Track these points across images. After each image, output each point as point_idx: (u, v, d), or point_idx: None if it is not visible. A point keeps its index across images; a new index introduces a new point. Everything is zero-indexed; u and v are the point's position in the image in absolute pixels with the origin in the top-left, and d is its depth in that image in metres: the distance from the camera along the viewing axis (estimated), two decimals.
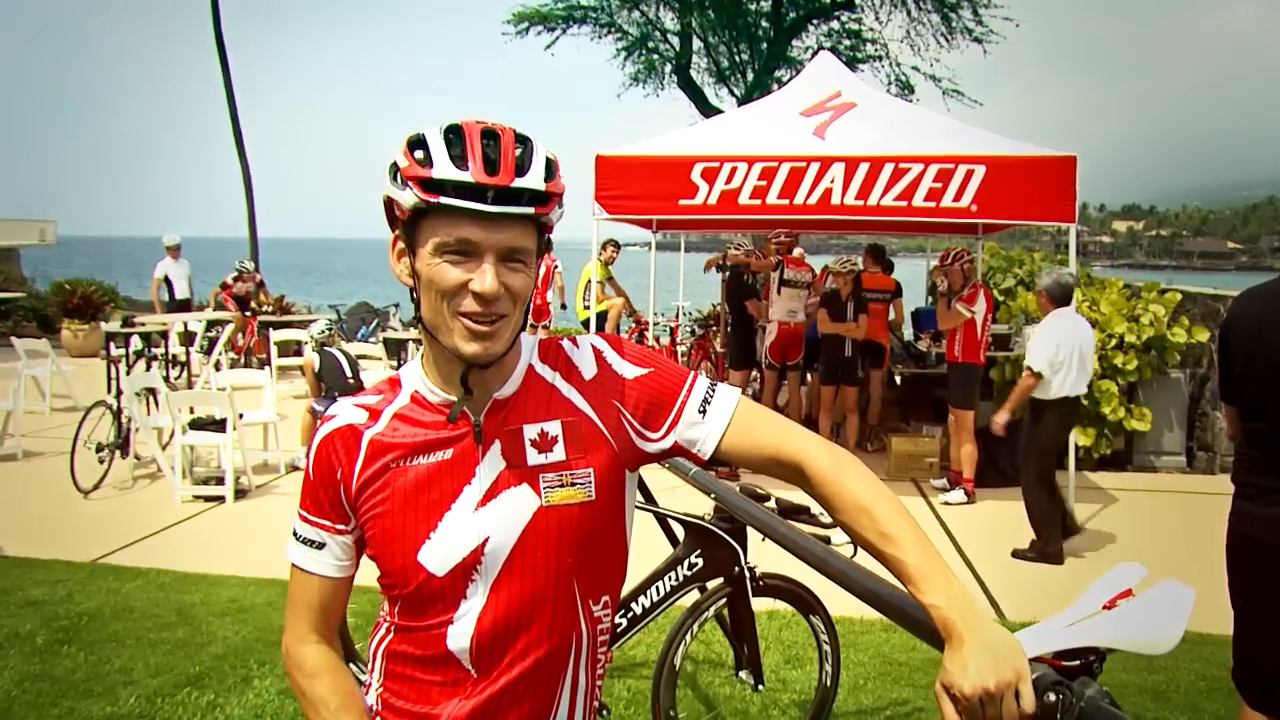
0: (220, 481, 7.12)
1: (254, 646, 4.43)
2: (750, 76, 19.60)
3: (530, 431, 1.38)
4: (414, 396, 1.41)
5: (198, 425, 7.32)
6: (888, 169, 6.53)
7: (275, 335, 11.44)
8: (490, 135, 1.29)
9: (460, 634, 1.37)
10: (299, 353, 12.24)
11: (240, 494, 7.13)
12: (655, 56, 20.00)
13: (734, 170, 6.69)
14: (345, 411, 1.42)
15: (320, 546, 1.43)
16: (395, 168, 1.30)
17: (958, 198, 6.50)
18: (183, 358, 11.72)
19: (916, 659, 4.36)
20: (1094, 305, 8.43)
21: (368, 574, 1.44)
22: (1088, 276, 9.87)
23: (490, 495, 1.36)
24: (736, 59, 19.99)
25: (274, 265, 13.45)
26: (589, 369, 1.43)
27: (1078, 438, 7.28)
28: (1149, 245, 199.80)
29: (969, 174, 6.46)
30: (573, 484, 1.37)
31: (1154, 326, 8.15)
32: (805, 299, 8.86)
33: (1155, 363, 8.29)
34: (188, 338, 11.86)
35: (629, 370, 1.43)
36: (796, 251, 9.83)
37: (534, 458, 1.37)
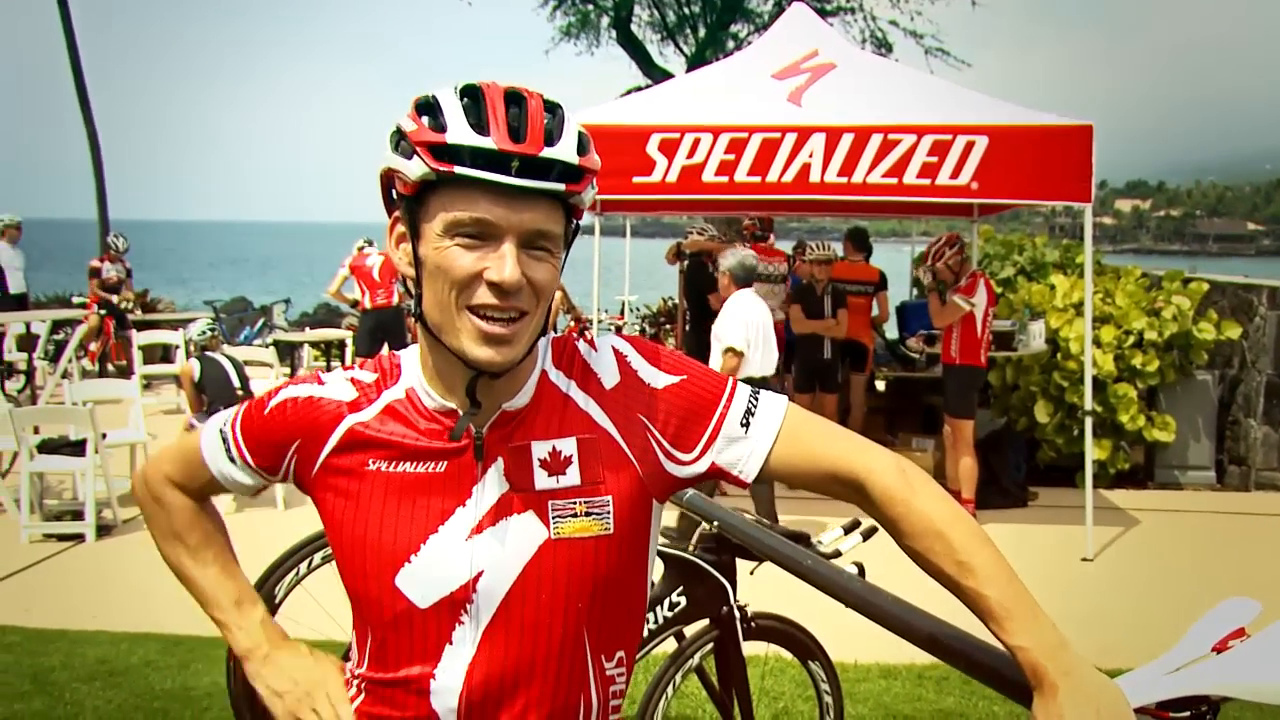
0: (78, 516, 6.93)
1: (132, 716, 4.31)
2: (701, 32, 19.70)
3: (540, 450, 1.36)
4: (410, 392, 1.39)
5: (48, 448, 7.11)
6: (875, 140, 6.59)
7: (139, 338, 11.15)
8: (515, 99, 1.27)
9: (446, 690, 1.35)
10: (167, 359, 11.98)
11: (104, 530, 6.94)
12: (590, 7, 19.99)
13: (697, 142, 6.70)
14: (335, 382, 1.43)
15: (231, 460, 1.49)
16: (399, 134, 1.28)
17: (956, 174, 6.59)
18: (23, 366, 11.40)
19: (924, 711, 4.42)
20: (1108, 297, 8.63)
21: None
22: (1099, 264, 10.10)
23: (489, 521, 1.34)
24: (685, 11, 20.06)
25: (132, 252, 13.10)
26: (610, 376, 1.41)
27: (1093, 451, 7.44)
28: (1157, 227, 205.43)
29: (969, 146, 6.55)
30: (588, 514, 1.35)
31: (1178, 321, 8.37)
32: (780, 294, 8.93)
33: (1179, 363, 8.52)
34: (29, 341, 11.55)
35: (658, 378, 1.41)
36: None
37: (543, 481, 1.35)
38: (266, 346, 11.57)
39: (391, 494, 1.35)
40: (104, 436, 7.10)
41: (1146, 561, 6.64)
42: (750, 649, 3.24)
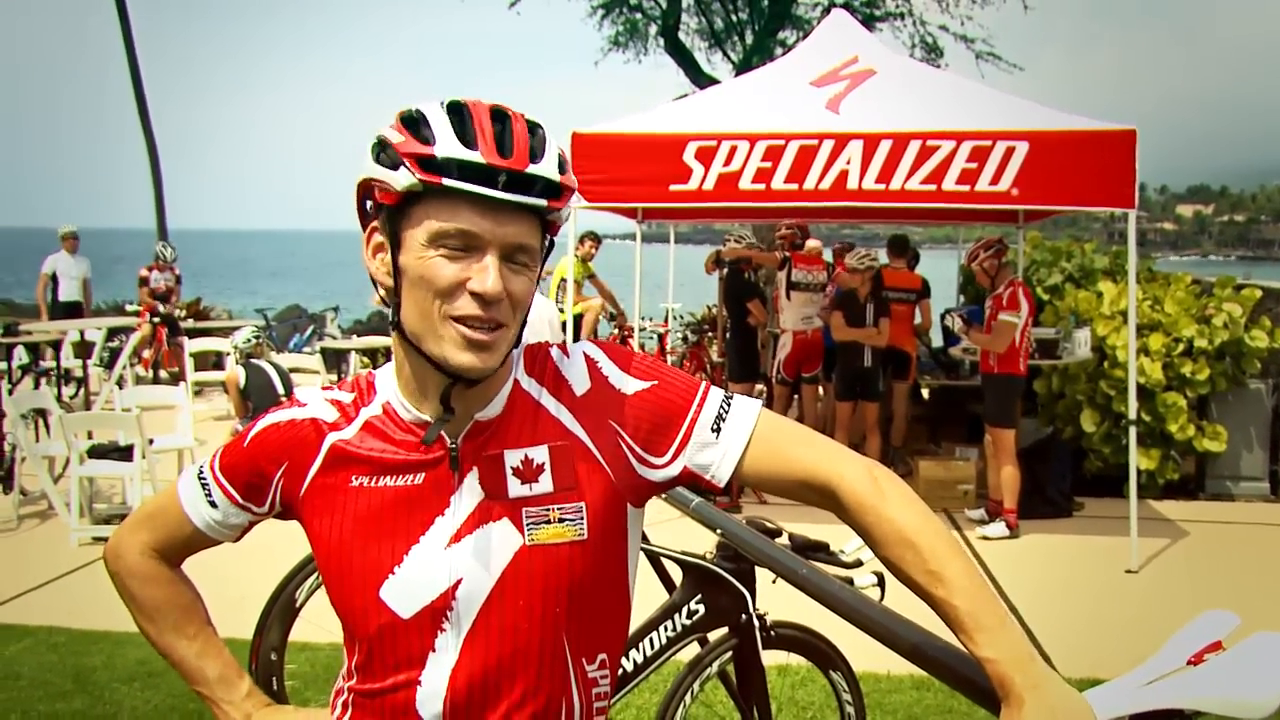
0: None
1: (169, 717, 4.39)
2: (749, 39, 19.68)
3: (512, 458, 1.38)
4: (386, 407, 1.42)
5: (98, 453, 7.27)
6: (913, 147, 6.57)
7: (191, 345, 11.37)
8: (500, 116, 1.31)
9: (431, 697, 1.37)
10: (219, 366, 12.20)
11: None
12: (638, 16, 20.04)
13: (734, 150, 6.71)
14: (315, 403, 1.45)
15: (213, 505, 1.50)
16: (383, 144, 1.31)
17: (996, 180, 6.54)
18: (79, 372, 11.67)
19: None
20: (1157, 304, 8.49)
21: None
22: (1149, 270, 9.94)
23: (466, 530, 1.37)
24: (733, 18, 20.06)
25: (186, 261, 13.36)
26: (581, 383, 1.43)
27: (1140, 461, 7.32)
28: (1220, 233, 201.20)
29: (1009, 152, 6.50)
30: (561, 520, 1.37)
31: (1229, 329, 8.21)
32: (821, 302, 8.89)
33: (1231, 372, 8.35)
34: (84, 349, 11.82)
35: (628, 384, 1.43)
36: (811, 244, 9.86)
37: (516, 489, 1.37)
38: (314, 354, 11.73)
39: (374, 508, 1.38)
40: (151, 442, 7.24)
41: (1193, 574, 6.51)
42: (772, 658, 3.24)
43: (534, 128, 1.33)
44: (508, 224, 1.29)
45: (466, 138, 1.27)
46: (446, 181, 1.26)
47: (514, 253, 1.30)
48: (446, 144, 1.27)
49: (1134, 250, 6.91)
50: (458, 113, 1.30)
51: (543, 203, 1.30)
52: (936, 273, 10.14)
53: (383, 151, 1.31)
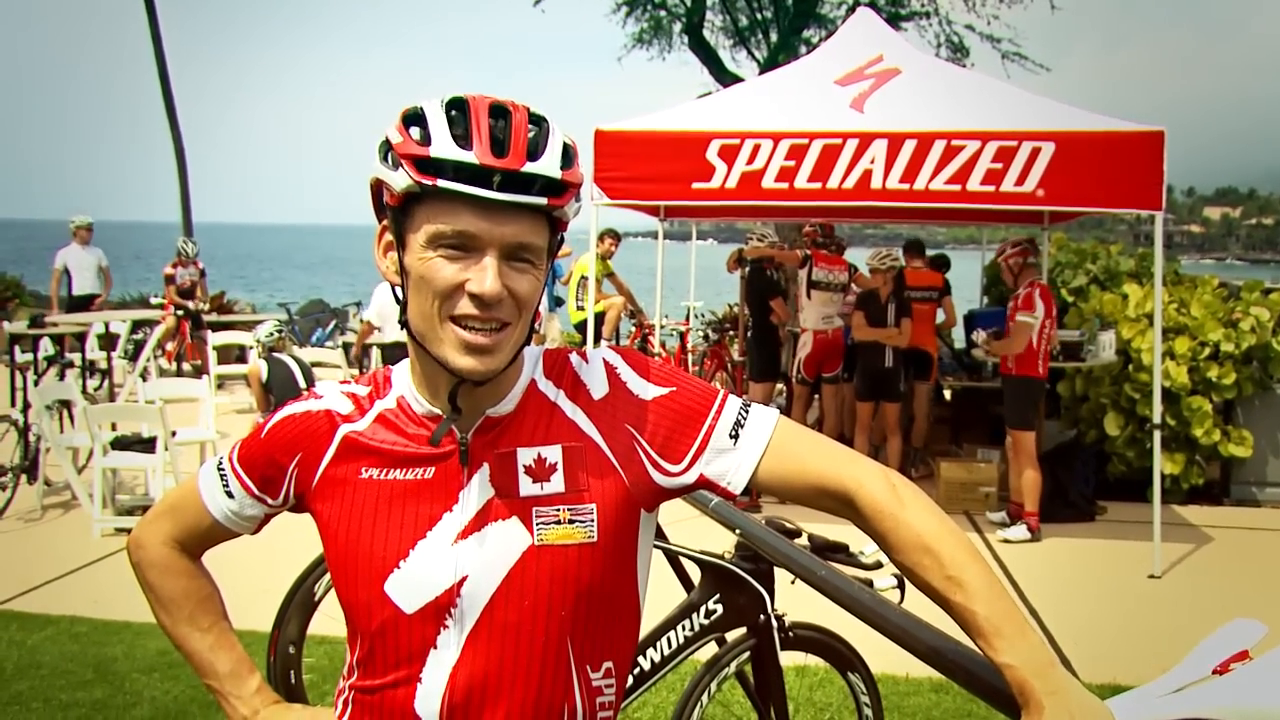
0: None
1: (188, 708, 4.41)
2: (774, 37, 19.61)
3: (525, 456, 1.37)
4: (400, 401, 1.42)
5: (121, 444, 7.32)
6: (938, 147, 6.53)
7: (214, 339, 11.43)
8: (500, 112, 1.29)
9: (430, 695, 1.36)
10: (242, 359, 12.27)
11: None
12: (662, 13, 20.00)
13: (757, 148, 6.69)
14: (331, 395, 1.45)
15: (230, 496, 1.51)
16: (387, 144, 1.30)
17: (1021, 181, 6.50)
18: (103, 364, 11.74)
19: None
20: (1183, 308, 8.41)
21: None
22: (1175, 273, 9.85)
23: (474, 527, 1.36)
24: (757, 16, 20.00)
25: (211, 255, 13.46)
26: (599, 387, 1.42)
27: (1164, 465, 7.26)
28: (1248, 236, 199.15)
29: (1035, 152, 6.45)
30: (571, 521, 1.36)
31: (1256, 333, 8.13)
32: (841, 301, 8.86)
33: (1257, 376, 8.28)
34: (109, 341, 11.89)
35: (646, 390, 1.42)
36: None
37: (527, 487, 1.36)
38: (336, 348, 11.77)
39: (383, 501, 1.37)
40: (174, 434, 7.28)
41: (1216, 580, 6.45)
42: (790, 659, 3.22)
43: (538, 121, 1.31)
44: (507, 224, 1.27)
45: (463, 137, 1.26)
46: (441, 183, 1.25)
47: (516, 251, 1.29)
48: (441, 144, 1.25)
49: (1160, 252, 6.85)
50: (458, 109, 1.28)
51: (542, 201, 1.28)
52: (960, 273, 10.08)
53: (387, 152, 1.30)
